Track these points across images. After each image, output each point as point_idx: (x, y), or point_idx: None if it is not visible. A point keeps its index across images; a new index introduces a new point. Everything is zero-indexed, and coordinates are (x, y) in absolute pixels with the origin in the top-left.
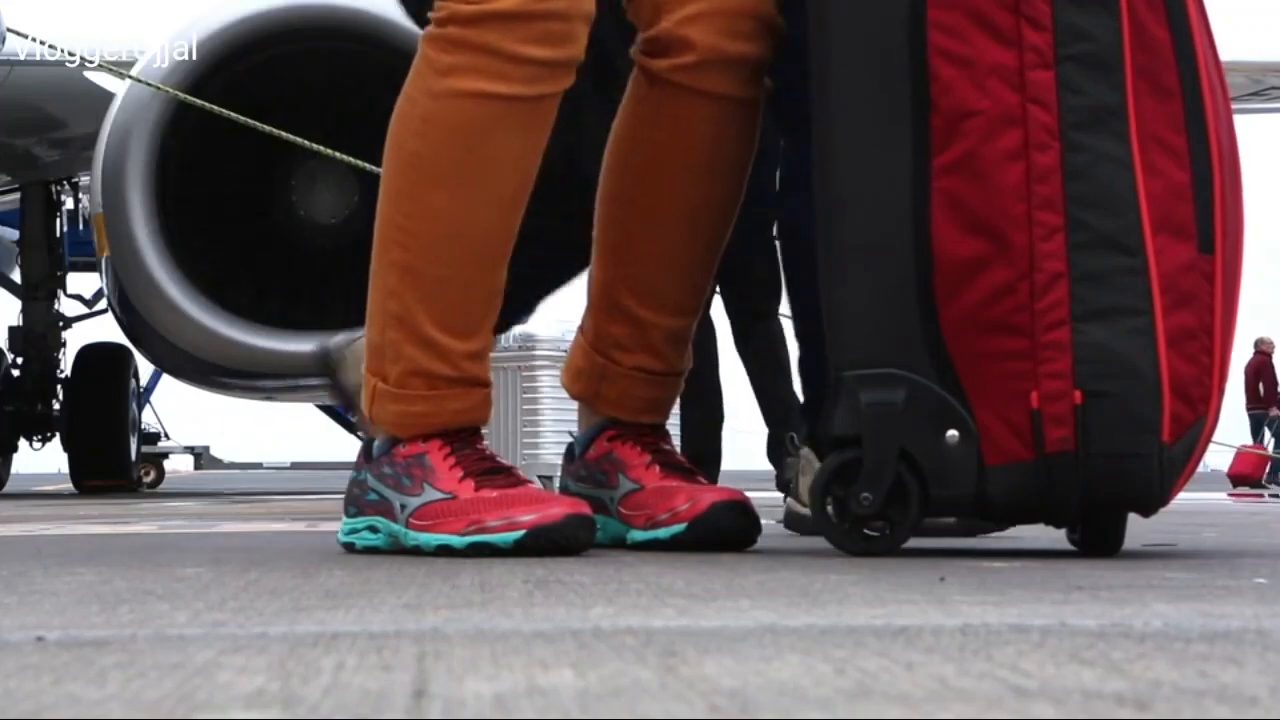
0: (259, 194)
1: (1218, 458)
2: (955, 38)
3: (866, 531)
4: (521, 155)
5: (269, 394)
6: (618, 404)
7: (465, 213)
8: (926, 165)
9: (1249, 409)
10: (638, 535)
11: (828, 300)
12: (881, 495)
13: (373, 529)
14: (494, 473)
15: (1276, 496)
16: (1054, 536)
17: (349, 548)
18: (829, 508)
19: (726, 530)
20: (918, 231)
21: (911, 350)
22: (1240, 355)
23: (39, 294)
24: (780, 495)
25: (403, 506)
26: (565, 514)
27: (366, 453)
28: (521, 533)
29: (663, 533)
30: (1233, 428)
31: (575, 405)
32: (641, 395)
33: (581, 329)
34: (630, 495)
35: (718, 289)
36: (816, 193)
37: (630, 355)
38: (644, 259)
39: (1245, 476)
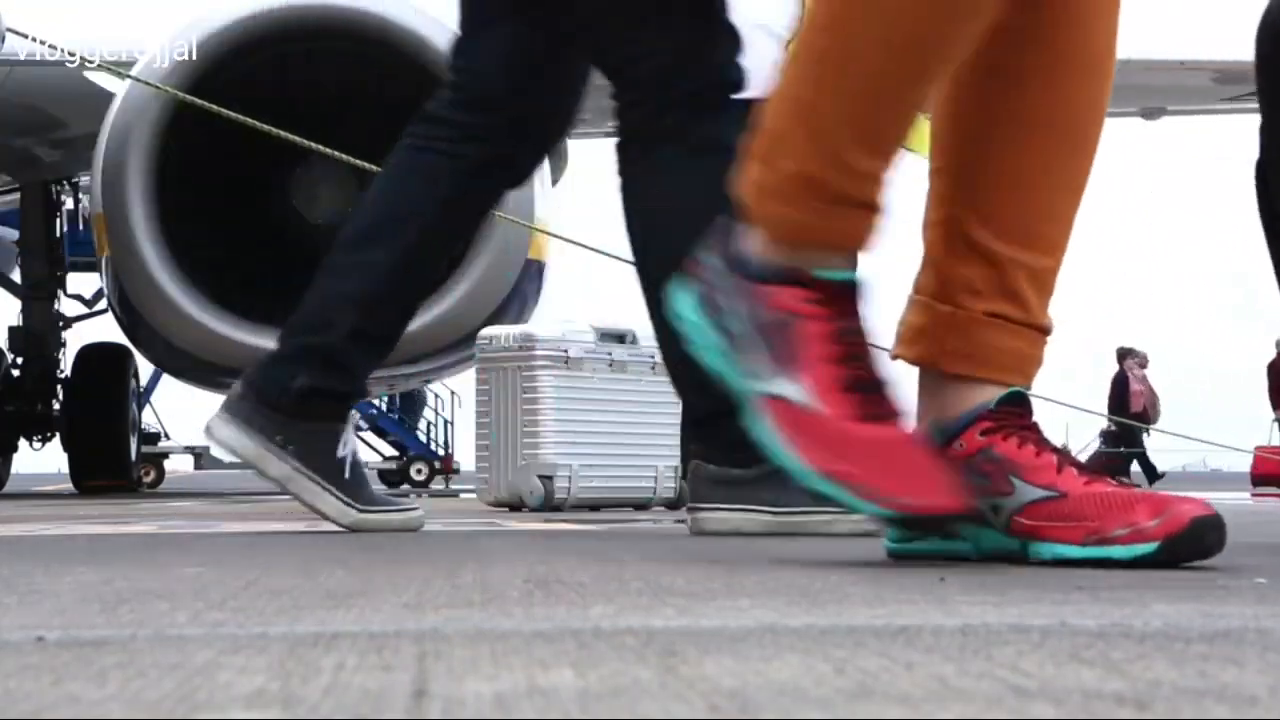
0: (259, 194)
1: (1216, 458)
2: None
3: None
4: None
5: None
6: (970, 358)
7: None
8: None
9: (1276, 408)
10: (1070, 551)
11: None
12: None
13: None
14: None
15: None
16: None
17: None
18: None
19: (1209, 551)
20: None
21: None
22: (1263, 356)
23: (39, 294)
24: None
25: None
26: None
27: None
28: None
29: (1120, 551)
30: (1250, 429)
31: (575, 404)
32: (999, 345)
33: (916, 288)
34: (1041, 504)
35: None
36: None
37: (983, 300)
38: (1001, 181)
39: (1270, 476)
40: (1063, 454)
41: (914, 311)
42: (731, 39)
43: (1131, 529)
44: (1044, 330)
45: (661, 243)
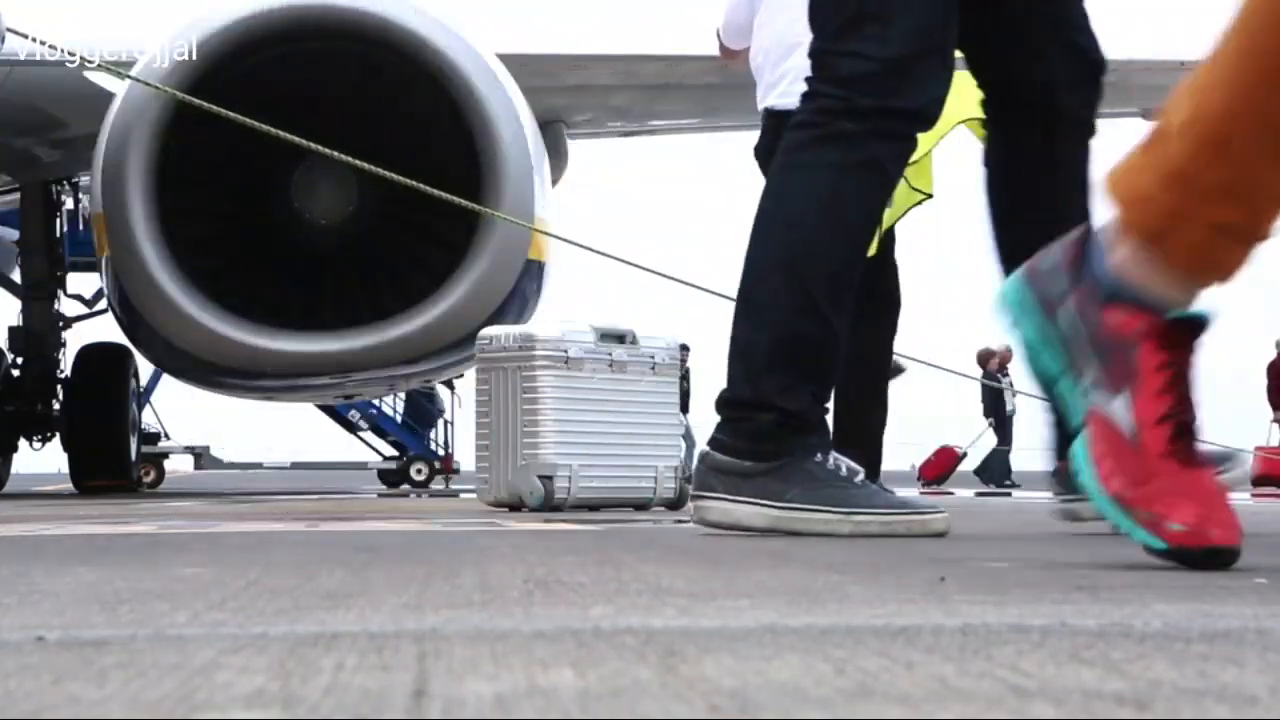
0: (259, 194)
1: None
2: None
3: None
4: None
5: (269, 394)
6: (1184, 259)
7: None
8: None
9: (1276, 408)
10: (1095, 490)
11: None
12: None
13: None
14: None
15: None
16: (1052, 535)
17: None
18: None
19: (1205, 570)
20: None
21: None
22: (1262, 356)
23: (39, 294)
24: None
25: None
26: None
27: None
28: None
29: (1130, 527)
30: (1248, 428)
31: (575, 404)
32: (1213, 258)
33: (1165, 149)
34: (1117, 435)
35: None
36: None
37: (1220, 208)
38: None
39: (1270, 476)
40: (1179, 411)
41: (1151, 179)
42: (943, 78)
43: (1155, 518)
44: (1265, 239)
45: (785, 231)
